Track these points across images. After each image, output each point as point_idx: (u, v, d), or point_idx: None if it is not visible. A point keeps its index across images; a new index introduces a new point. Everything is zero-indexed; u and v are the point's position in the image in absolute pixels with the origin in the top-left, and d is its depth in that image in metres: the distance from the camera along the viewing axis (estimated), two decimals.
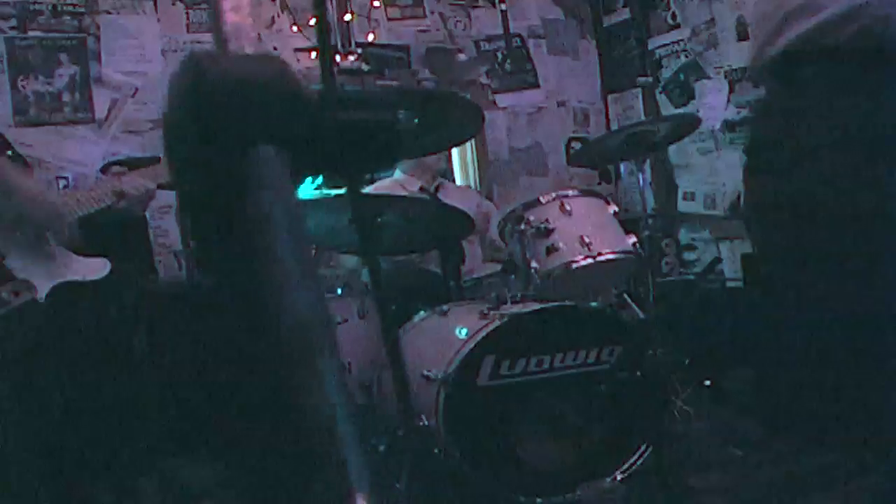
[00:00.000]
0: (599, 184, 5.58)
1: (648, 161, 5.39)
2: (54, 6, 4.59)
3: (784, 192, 1.54)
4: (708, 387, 3.53)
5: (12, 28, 4.48)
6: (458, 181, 5.46)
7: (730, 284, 4.49)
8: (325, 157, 0.72)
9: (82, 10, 4.65)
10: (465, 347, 2.70)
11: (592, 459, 2.77)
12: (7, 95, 4.42)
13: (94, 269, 2.17)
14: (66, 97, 4.54)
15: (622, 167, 5.51)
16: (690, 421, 3.15)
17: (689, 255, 4.82)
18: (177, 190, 0.71)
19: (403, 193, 3.74)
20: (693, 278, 4.63)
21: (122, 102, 4.68)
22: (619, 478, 2.77)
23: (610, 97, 5.86)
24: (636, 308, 3.66)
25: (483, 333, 2.73)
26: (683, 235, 5.10)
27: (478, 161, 5.50)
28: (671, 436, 2.98)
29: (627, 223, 3.57)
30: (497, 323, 2.77)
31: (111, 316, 1.87)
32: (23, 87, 4.46)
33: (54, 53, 4.55)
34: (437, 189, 4.33)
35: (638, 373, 2.81)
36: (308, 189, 4.88)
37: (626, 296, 3.72)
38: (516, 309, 2.88)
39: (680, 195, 5.25)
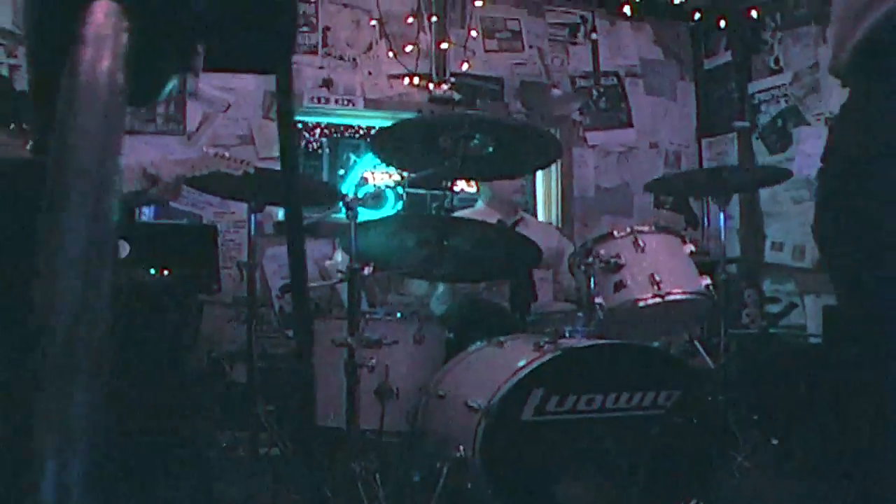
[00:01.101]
0: (686, 229, 5.42)
1: (738, 207, 5.22)
2: None
3: (862, 208, 1.37)
4: (775, 445, 3.34)
5: None
6: (541, 216, 5.40)
7: (812, 340, 4.26)
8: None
9: None
10: (512, 379, 2.62)
11: None
12: None
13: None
14: (160, 108, 4.71)
15: (709, 211, 5.33)
16: (749, 479, 2.97)
17: (771, 308, 4.61)
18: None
19: (474, 219, 3.69)
20: (773, 331, 4.42)
21: (214, 116, 4.82)
22: None
23: (704, 141, 5.70)
24: (706, 356, 3.51)
25: (533, 366, 2.64)
26: (767, 287, 4.88)
27: (562, 198, 5.42)
28: (724, 492, 2.80)
29: (706, 267, 3.45)
30: (549, 356, 2.68)
31: None
32: None
33: None
34: (516, 223, 4.29)
35: (694, 420, 2.66)
36: (375, 210, 4.95)
37: (696, 343, 3.57)
38: (571, 343, 2.79)
39: (768, 244, 5.04)
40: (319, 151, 5.21)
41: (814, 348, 4.12)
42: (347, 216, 3.00)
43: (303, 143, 5.18)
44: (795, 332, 4.36)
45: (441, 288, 4.32)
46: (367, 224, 3.59)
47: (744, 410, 3.51)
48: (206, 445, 3.63)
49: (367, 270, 2.97)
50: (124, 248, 2.23)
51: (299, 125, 5.18)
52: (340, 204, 3.10)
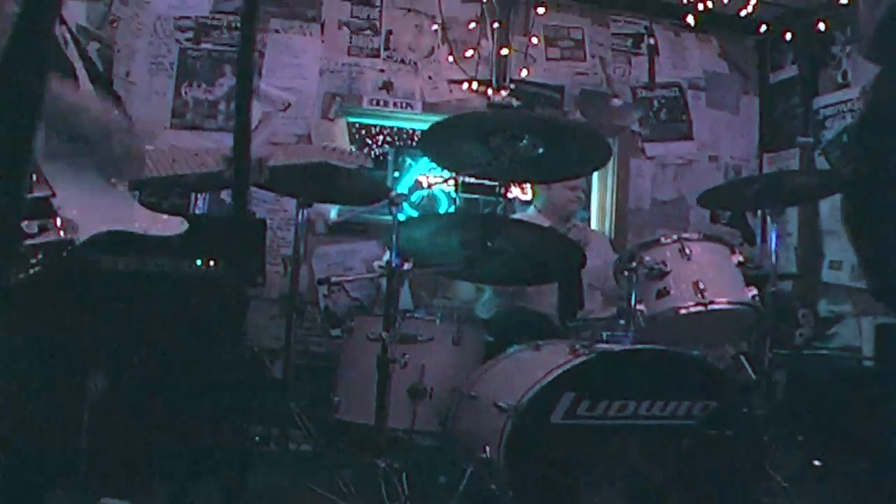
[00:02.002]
0: (742, 245, 5.29)
1: (797, 224, 5.07)
2: (229, 23, 4.89)
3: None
4: (818, 467, 3.21)
5: (188, 40, 4.81)
6: (594, 227, 5.33)
7: (866, 363, 4.10)
8: None
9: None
10: (542, 380, 2.58)
11: None
12: (169, 100, 4.73)
13: (165, 225, 2.21)
14: (221, 106, 4.80)
15: (765, 227, 5.19)
16: (786, 500, 2.86)
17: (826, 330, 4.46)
18: None
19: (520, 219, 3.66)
20: (826, 353, 4.27)
21: (273, 115, 4.89)
22: None
23: (766, 156, 5.56)
24: (750, 371, 3.40)
25: (565, 367, 2.59)
26: (823, 307, 4.72)
27: (617, 209, 5.34)
28: None
29: (757, 280, 3.35)
30: (582, 359, 2.63)
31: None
32: (185, 92, 4.75)
33: (220, 65, 4.84)
34: (567, 231, 4.24)
35: (728, 433, 2.58)
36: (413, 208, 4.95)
37: (742, 357, 3.46)
38: (606, 347, 2.73)
39: (826, 263, 4.87)
40: (382, 158, 5.23)
41: (867, 371, 3.97)
42: (391, 212, 3.00)
43: (365, 149, 5.20)
44: (849, 355, 4.21)
45: (487, 294, 4.29)
46: (411, 221, 3.61)
47: (788, 430, 3.40)
48: (239, 439, 3.64)
49: (406, 266, 2.95)
50: (181, 226, 2.25)
51: (361, 130, 5.22)
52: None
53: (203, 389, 3.48)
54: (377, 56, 5.12)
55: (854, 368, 4.04)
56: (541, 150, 3.31)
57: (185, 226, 2.25)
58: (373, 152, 5.24)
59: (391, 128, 5.28)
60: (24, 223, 1.82)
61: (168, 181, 2.31)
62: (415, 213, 4.94)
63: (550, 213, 4.24)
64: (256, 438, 3.62)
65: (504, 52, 5.26)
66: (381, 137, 5.22)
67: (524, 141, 3.26)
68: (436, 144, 3.38)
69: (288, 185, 3.45)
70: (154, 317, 3.39)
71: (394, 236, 2.98)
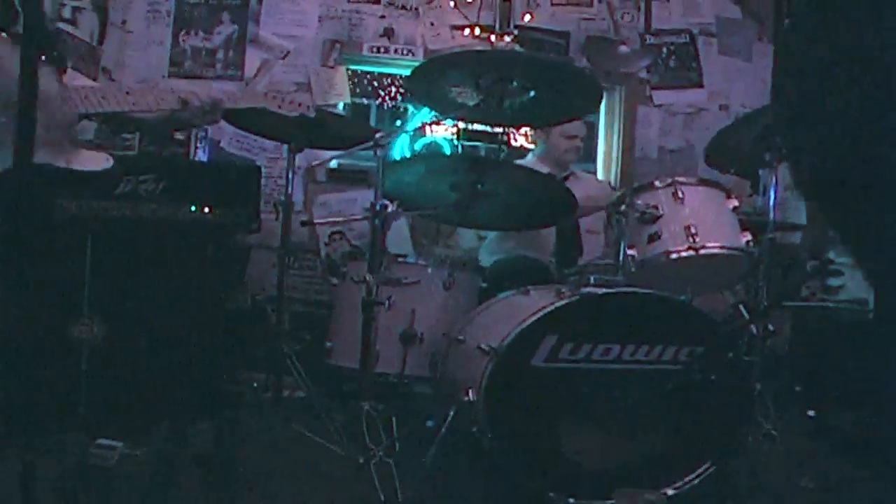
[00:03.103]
0: (751, 195, 5.18)
1: None
2: None
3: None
4: (811, 418, 3.16)
5: None
6: (600, 175, 5.25)
7: (871, 316, 4.01)
8: None
9: None
10: (524, 322, 2.54)
11: (643, 468, 2.54)
12: (167, 48, 4.69)
13: (88, 160, 2.37)
14: (220, 54, 4.76)
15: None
16: (773, 447, 2.82)
17: (833, 282, 4.36)
18: None
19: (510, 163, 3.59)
20: (832, 305, 4.19)
21: (273, 64, 4.84)
22: (668, 493, 2.52)
23: None
24: (747, 318, 3.33)
25: (547, 310, 2.56)
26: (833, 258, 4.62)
27: (623, 157, 5.25)
28: (741, 458, 2.67)
29: (759, 227, 3.28)
30: (565, 301, 2.59)
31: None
32: (183, 41, 4.71)
33: (218, 12, 4.79)
34: (566, 178, 4.18)
35: (713, 378, 2.54)
36: (403, 153, 4.90)
37: (741, 306, 3.40)
38: (591, 290, 2.68)
39: None
40: (394, 108, 5.17)
41: (869, 323, 3.89)
42: (375, 154, 2.96)
43: (377, 100, 5.15)
44: (855, 307, 4.12)
45: (488, 240, 4.25)
46: (398, 164, 3.56)
47: (786, 380, 3.35)
48: (237, 385, 3.67)
49: (390, 208, 2.91)
50: (106, 162, 2.35)
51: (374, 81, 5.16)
52: None
53: (200, 336, 3.50)
54: (378, 2, 5.04)
55: (857, 321, 3.97)
56: (532, 94, 3.25)
57: (110, 162, 2.40)
58: (385, 104, 5.18)
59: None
60: None
61: (113, 118, 2.46)
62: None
63: (548, 161, 4.18)
64: (254, 385, 3.63)
65: None
66: (392, 88, 5.16)
67: (514, 83, 3.20)
68: (424, 86, 3.32)
69: (274, 130, 3.41)
70: (149, 263, 3.40)
71: (379, 178, 2.94)
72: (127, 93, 2.35)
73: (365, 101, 5.14)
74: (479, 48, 4.88)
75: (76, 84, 2.58)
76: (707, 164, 4.09)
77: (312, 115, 2.91)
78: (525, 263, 3.84)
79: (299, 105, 2.88)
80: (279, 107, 2.83)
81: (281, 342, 3.40)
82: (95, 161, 2.38)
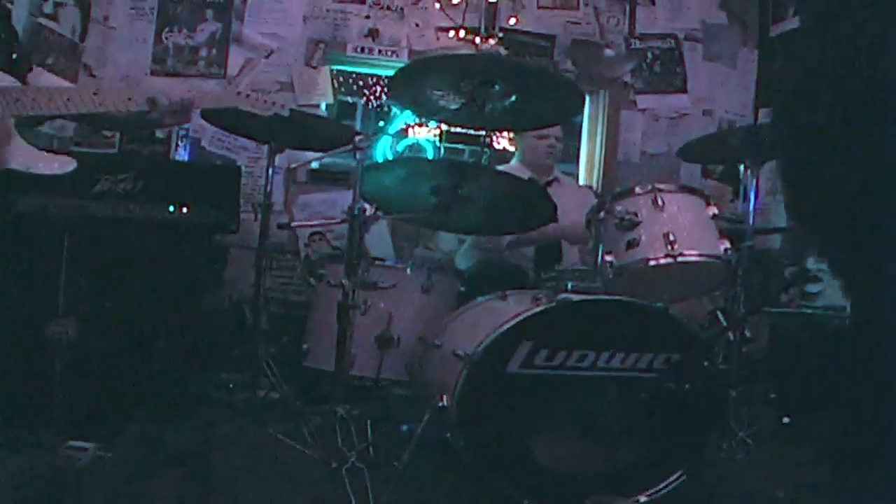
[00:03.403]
0: (733, 201, 5.20)
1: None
2: None
3: None
4: (786, 425, 3.17)
5: None
6: (582, 179, 5.25)
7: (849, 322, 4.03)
8: None
9: None
10: (500, 328, 2.54)
11: (615, 475, 2.53)
12: (149, 46, 4.66)
13: (50, 163, 2.30)
14: (202, 52, 4.74)
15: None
16: (747, 456, 2.82)
17: (811, 288, 4.38)
18: None
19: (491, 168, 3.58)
20: (811, 312, 4.20)
21: (256, 62, 4.82)
22: (641, 500, 2.51)
23: (762, 111, 5.43)
24: (724, 325, 3.34)
25: (523, 316, 2.55)
26: (811, 265, 4.63)
27: (605, 161, 5.25)
28: (714, 466, 2.67)
29: (738, 234, 3.28)
30: (542, 307, 2.59)
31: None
32: (166, 38, 4.68)
33: (201, 10, 4.76)
34: (549, 183, 4.18)
35: (687, 386, 2.53)
36: (385, 155, 4.90)
37: (718, 312, 3.40)
38: (567, 296, 2.68)
39: None
40: (381, 108, 5.16)
41: (846, 330, 3.90)
42: (354, 157, 2.94)
43: (363, 99, 5.13)
44: (832, 313, 4.13)
45: (467, 243, 4.24)
46: (377, 167, 3.54)
47: (762, 386, 3.35)
48: (212, 386, 3.65)
49: (368, 212, 2.90)
50: (68, 165, 2.33)
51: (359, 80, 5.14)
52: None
53: (176, 336, 3.48)
54: (363, 2, 5.02)
55: (834, 327, 3.98)
56: (513, 98, 3.24)
57: (73, 165, 2.34)
58: (370, 103, 5.16)
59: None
60: None
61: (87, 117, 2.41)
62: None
63: (529, 165, 4.18)
64: (230, 386, 3.61)
65: None
66: (378, 88, 5.14)
67: (496, 87, 3.19)
68: (406, 89, 3.30)
69: (254, 130, 3.39)
70: (126, 262, 3.38)
71: (357, 181, 2.92)
72: (94, 93, 2.30)
73: (350, 99, 5.12)
74: (460, 52, 4.87)
75: (42, 84, 2.57)
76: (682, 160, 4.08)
77: (286, 114, 2.86)
78: (503, 267, 3.83)
79: (273, 104, 2.83)
80: (252, 106, 2.77)
81: (257, 344, 3.38)
82: (57, 164, 2.33)
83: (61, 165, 2.32)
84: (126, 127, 2.67)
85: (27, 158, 2.26)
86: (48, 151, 2.34)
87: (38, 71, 2.62)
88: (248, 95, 2.81)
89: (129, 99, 2.34)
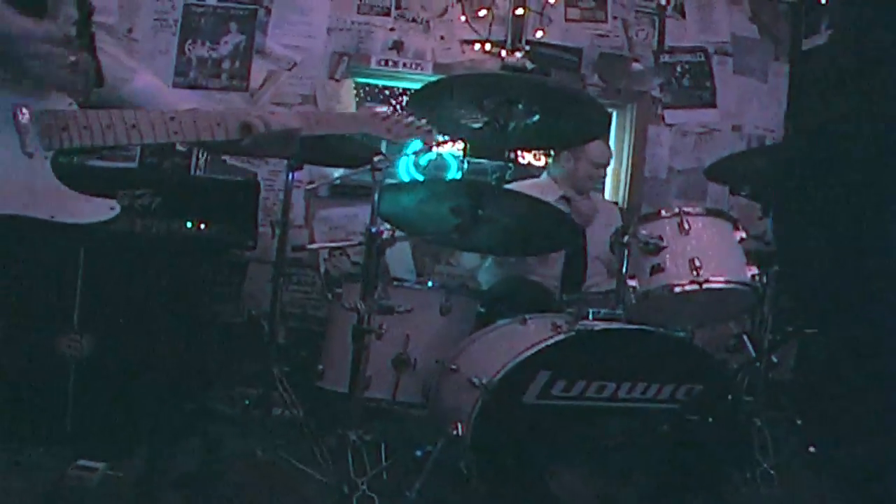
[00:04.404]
0: (761, 219, 5.08)
1: None
2: None
3: None
4: (813, 454, 3.06)
5: None
6: (608, 195, 5.17)
7: None
8: None
9: None
10: (518, 357, 2.47)
11: None
12: (172, 57, 4.65)
13: (88, 210, 1.81)
14: (225, 64, 4.71)
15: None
16: (771, 489, 2.73)
17: None
18: None
19: (512, 190, 3.51)
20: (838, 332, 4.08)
21: (278, 75, 4.78)
22: None
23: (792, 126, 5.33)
24: (752, 352, 3.25)
25: (541, 346, 2.48)
26: None
27: (631, 177, 5.16)
28: (737, 499, 2.58)
29: (765, 258, 3.20)
30: (560, 337, 2.52)
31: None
32: (189, 50, 4.66)
33: (225, 22, 4.74)
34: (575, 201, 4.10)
35: (710, 420, 2.45)
36: (408, 173, 4.83)
37: (745, 336, 3.31)
38: (588, 325, 2.61)
39: None
40: None
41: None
42: (373, 177, 2.89)
43: (389, 109, 5.06)
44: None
45: (489, 260, 4.17)
46: (396, 187, 3.49)
47: (789, 413, 3.25)
48: (227, 401, 3.62)
49: (386, 234, 2.84)
50: (112, 210, 1.86)
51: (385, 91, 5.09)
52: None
53: (191, 352, 3.45)
54: (388, 14, 4.97)
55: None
56: (536, 117, 3.18)
57: (115, 211, 1.84)
58: (396, 112, 5.10)
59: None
60: None
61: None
62: (420, 177, 4.82)
63: (566, 184, 4.10)
64: (246, 402, 3.57)
65: (519, 11, 5.07)
66: (403, 98, 5.09)
67: (519, 106, 3.13)
68: (428, 107, 3.25)
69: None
70: (141, 278, 3.35)
71: (376, 202, 2.87)
72: (171, 118, 1.84)
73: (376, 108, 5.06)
74: (483, 71, 4.80)
75: (142, 88, 2.03)
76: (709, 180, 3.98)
77: (434, 140, 2.42)
78: (524, 287, 3.76)
79: (418, 128, 2.34)
80: (390, 132, 2.29)
81: (271, 362, 3.33)
82: (98, 210, 1.83)
83: (97, 212, 1.82)
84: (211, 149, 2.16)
85: (55, 203, 1.75)
86: (86, 192, 1.81)
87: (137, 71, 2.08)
88: (385, 118, 2.30)
89: (219, 125, 1.89)
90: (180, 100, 2.07)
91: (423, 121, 2.33)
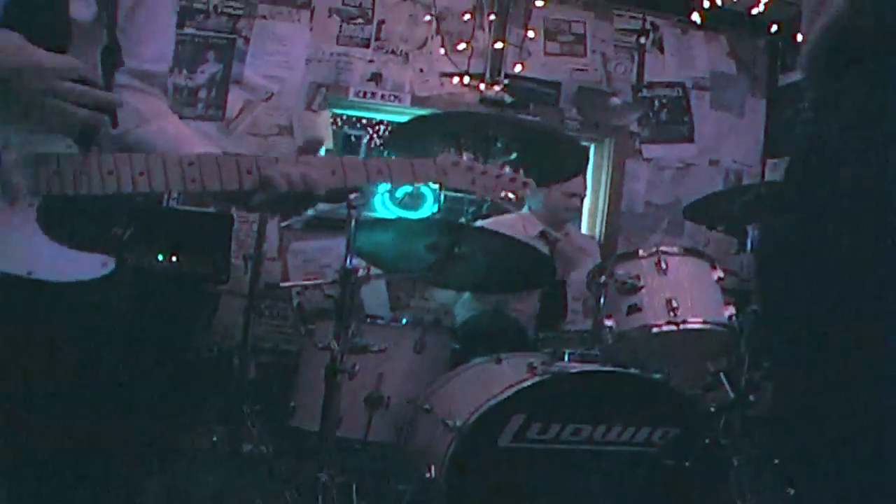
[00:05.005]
0: (737, 254, 5.08)
1: None
2: (215, 6, 4.74)
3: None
4: (791, 496, 3.02)
5: None
6: (584, 229, 5.15)
7: None
8: None
9: (240, 12, 4.78)
10: (492, 400, 2.43)
11: None
12: None
13: (77, 266, 1.51)
14: (202, 94, 4.66)
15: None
16: None
17: None
18: None
19: (492, 228, 3.48)
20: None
21: (255, 105, 4.74)
22: None
23: (769, 161, 5.35)
24: (730, 392, 3.22)
25: (516, 388, 2.44)
26: None
27: (608, 212, 5.15)
28: None
29: (741, 296, 3.17)
30: (535, 379, 2.48)
31: None
32: None
33: (203, 50, 4.70)
34: (556, 240, 4.06)
35: (686, 464, 2.42)
36: (386, 209, 4.80)
37: (721, 375, 3.28)
38: (563, 367, 2.57)
39: None
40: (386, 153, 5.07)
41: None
42: (348, 216, 2.85)
43: (365, 139, 5.05)
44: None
45: (466, 294, 4.13)
46: (371, 224, 3.45)
47: (766, 454, 3.21)
48: (197, 436, 3.54)
49: (361, 272, 2.80)
50: (106, 267, 1.51)
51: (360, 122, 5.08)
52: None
53: (161, 386, 3.38)
54: (367, 46, 4.96)
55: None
56: (513, 156, 3.16)
57: (110, 267, 1.55)
58: (373, 140, 5.09)
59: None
60: None
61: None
62: (395, 211, 4.79)
63: (544, 217, 4.08)
64: (213, 439, 3.50)
65: (499, 45, 5.08)
66: (381, 126, 5.07)
67: (497, 144, 3.11)
68: (405, 144, 3.23)
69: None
70: (107, 312, 3.28)
71: (351, 239, 2.83)
72: (190, 164, 1.52)
73: (353, 137, 5.03)
74: (461, 109, 4.79)
75: (170, 133, 1.70)
76: (687, 219, 3.98)
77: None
78: (499, 323, 3.72)
79: (511, 182, 1.91)
80: (473, 182, 1.81)
81: (242, 398, 3.27)
82: (90, 266, 1.53)
83: (85, 269, 1.52)
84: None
85: (32, 257, 1.47)
86: (81, 248, 1.51)
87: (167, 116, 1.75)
88: (470, 167, 1.81)
89: (249, 173, 1.54)
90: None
91: (521, 172, 1.93)
